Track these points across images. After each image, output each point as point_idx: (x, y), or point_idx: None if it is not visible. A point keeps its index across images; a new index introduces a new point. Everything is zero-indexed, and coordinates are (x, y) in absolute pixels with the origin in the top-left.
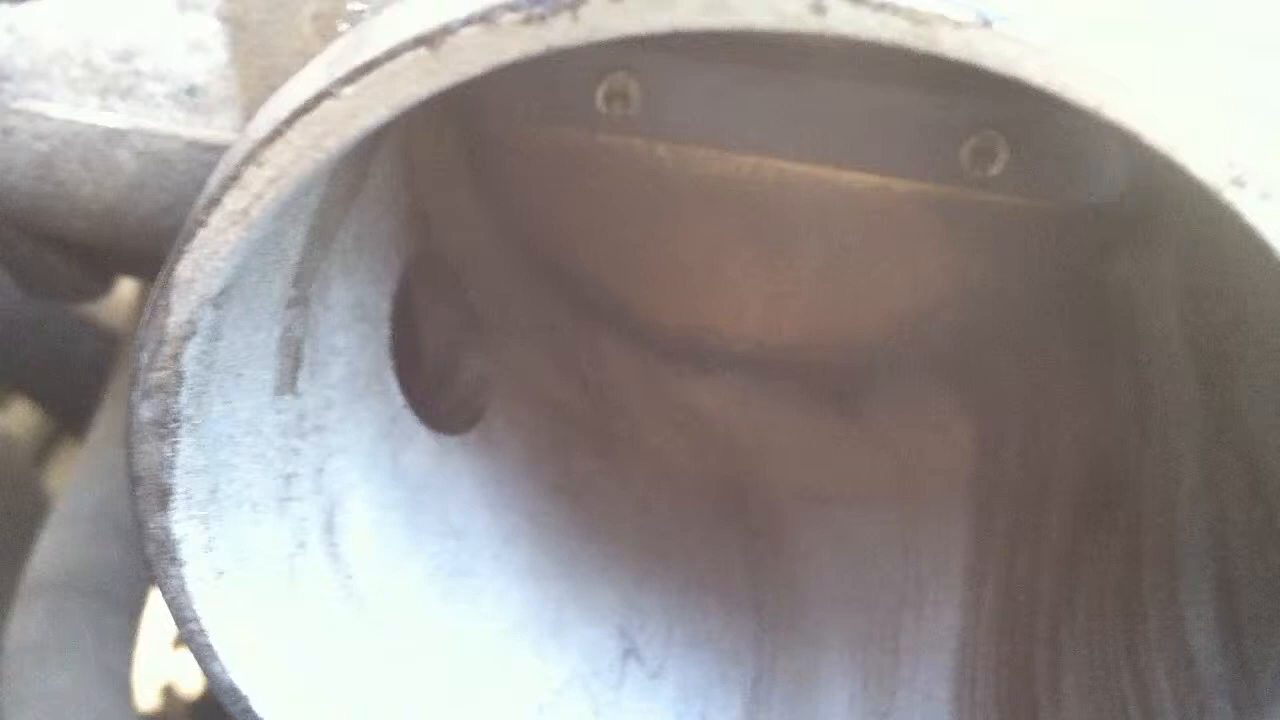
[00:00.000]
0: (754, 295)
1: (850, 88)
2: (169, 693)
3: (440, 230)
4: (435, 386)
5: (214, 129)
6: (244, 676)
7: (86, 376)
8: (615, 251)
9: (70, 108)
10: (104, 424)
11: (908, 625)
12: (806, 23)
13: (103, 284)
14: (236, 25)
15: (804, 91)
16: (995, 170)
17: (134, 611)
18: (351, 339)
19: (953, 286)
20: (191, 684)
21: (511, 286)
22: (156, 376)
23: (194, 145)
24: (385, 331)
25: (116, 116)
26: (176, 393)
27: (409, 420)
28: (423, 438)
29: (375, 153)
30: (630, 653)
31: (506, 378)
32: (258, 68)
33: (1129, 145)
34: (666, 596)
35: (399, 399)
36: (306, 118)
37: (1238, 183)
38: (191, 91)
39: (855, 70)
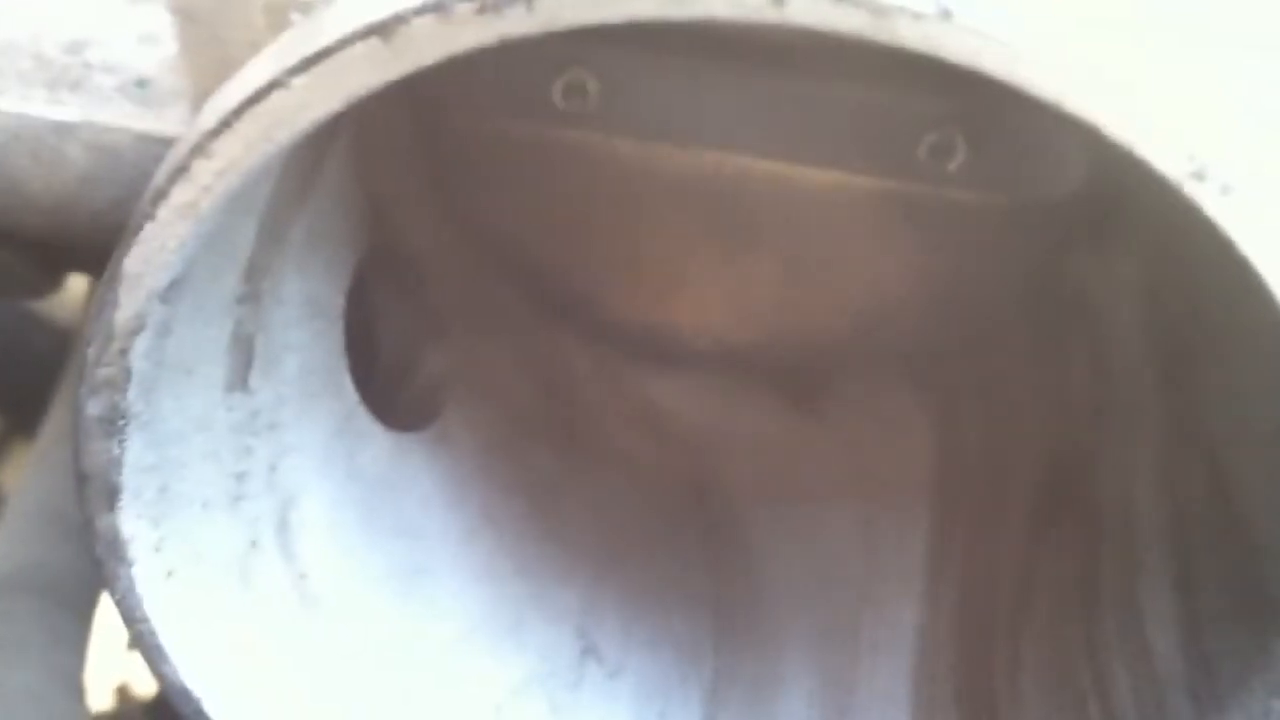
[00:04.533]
0: (715, 292)
1: (810, 83)
2: (123, 693)
3: (398, 226)
4: (392, 384)
5: (165, 122)
6: (196, 678)
7: (38, 374)
8: (576, 247)
9: (19, 100)
10: (55, 422)
11: (867, 622)
12: (766, 14)
13: (54, 280)
14: (187, 17)
15: (763, 87)
16: (954, 166)
17: (86, 611)
18: (305, 335)
19: (912, 282)
20: (146, 684)
21: (471, 283)
22: (104, 372)
23: (144, 138)
24: (339, 328)
25: (66, 109)
26: (125, 389)
27: (364, 418)
28: (379, 436)
29: (329, 146)
30: (589, 652)
31: (465, 375)
32: (209, 59)
33: (1089, 140)
34: (626, 595)
35: (353, 396)
36: (256, 109)
37: (1198, 176)
38: (142, 84)
39: (815, 65)
